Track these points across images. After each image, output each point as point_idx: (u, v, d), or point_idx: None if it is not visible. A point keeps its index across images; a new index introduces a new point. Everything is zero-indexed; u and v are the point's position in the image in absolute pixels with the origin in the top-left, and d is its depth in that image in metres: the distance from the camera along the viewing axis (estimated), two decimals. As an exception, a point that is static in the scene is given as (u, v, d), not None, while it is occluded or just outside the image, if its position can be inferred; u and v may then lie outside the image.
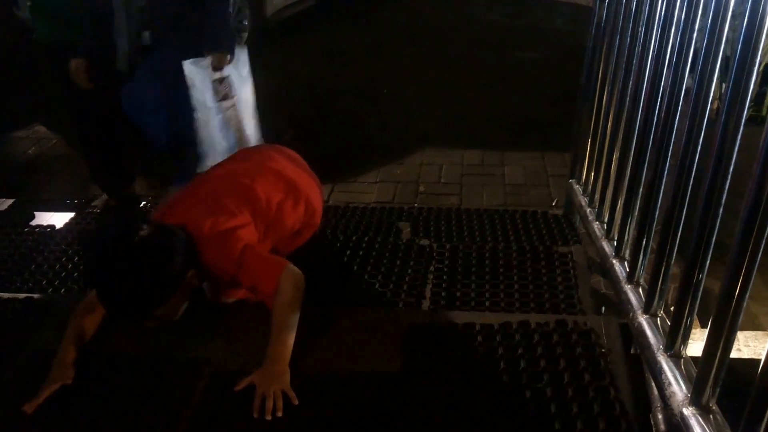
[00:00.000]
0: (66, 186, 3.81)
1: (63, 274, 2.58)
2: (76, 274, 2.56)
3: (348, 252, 2.63)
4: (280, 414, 1.68)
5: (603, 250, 2.21)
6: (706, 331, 1.35)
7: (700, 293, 1.49)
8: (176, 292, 1.87)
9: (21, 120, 4.68)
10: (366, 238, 2.78)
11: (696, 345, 1.57)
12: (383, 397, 1.77)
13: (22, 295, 2.28)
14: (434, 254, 2.60)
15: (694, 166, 1.52)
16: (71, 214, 3.11)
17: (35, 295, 2.29)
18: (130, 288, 1.80)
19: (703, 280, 1.47)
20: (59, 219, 3.07)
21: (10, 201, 3.36)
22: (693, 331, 1.57)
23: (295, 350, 1.86)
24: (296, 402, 1.71)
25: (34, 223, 3.07)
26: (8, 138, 4.45)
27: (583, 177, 2.70)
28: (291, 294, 1.88)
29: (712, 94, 1.46)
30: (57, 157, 4.19)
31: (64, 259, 2.68)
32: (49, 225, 3.00)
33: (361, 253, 2.63)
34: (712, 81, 1.44)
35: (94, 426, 1.73)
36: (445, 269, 2.49)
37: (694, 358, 1.53)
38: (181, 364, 1.91)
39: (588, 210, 2.53)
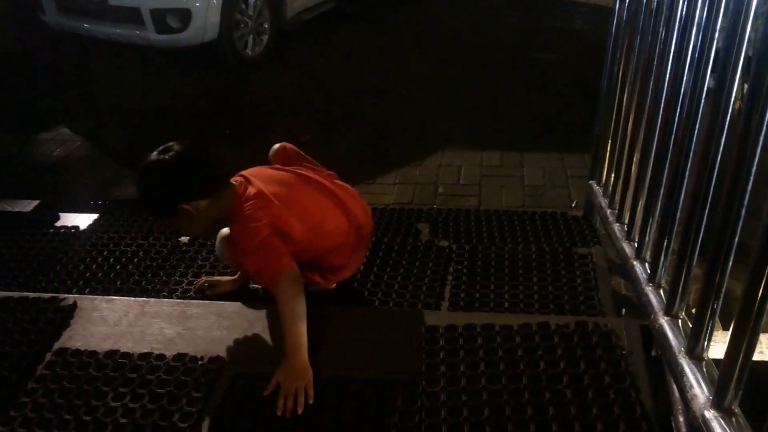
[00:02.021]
0: (90, 187, 3.85)
1: (87, 274, 2.60)
2: (100, 274, 2.59)
3: (367, 253, 2.63)
4: (301, 410, 1.73)
5: (623, 251, 2.20)
6: (729, 333, 1.33)
7: (722, 295, 1.47)
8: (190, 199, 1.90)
9: (46, 122, 4.73)
10: (385, 239, 2.78)
11: (718, 347, 1.55)
12: (404, 399, 1.78)
13: (48, 295, 2.32)
14: (453, 255, 2.60)
15: (716, 167, 1.50)
16: (95, 216, 3.14)
17: (60, 295, 2.32)
18: (147, 178, 1.91)
19: (726, 282, 1.46)
20: (83, 220, 3.09)
21: (36, 202, 3.40)
22: (715, 333, 1.56)
23: (313, 350, 1.88)
24: (311, 401, 1.75)
25: (58, 224, 3.10)
26: (34, 140, 4.50)
27: (603, 178, 2.68)
28: (291, 289, 1.90)
29: (734, 95, 1.44)
30: (81, 159, 4.23)
31: (88, 259, 2.71)
32: (73, 226, 3.03)
33: (380, 254, 2.63)
34: (734, 81, 1.43)
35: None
36: (464, 270, 2.49)
37: (716, 361, 1.51)
38: (203, 365, 1.93)
39: (608, 211, 2.51)
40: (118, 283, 2.54)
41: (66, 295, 2.33)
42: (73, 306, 2.24)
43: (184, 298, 2.39)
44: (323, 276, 2.27)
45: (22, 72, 5.55)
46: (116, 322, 2.17)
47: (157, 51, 5.35)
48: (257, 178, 2.09)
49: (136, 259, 2.68)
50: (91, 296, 2.37)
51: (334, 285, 2.36)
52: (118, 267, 2.64)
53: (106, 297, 2.34)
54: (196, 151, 1.94)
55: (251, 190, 2.01)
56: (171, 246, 2.75)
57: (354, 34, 6.54)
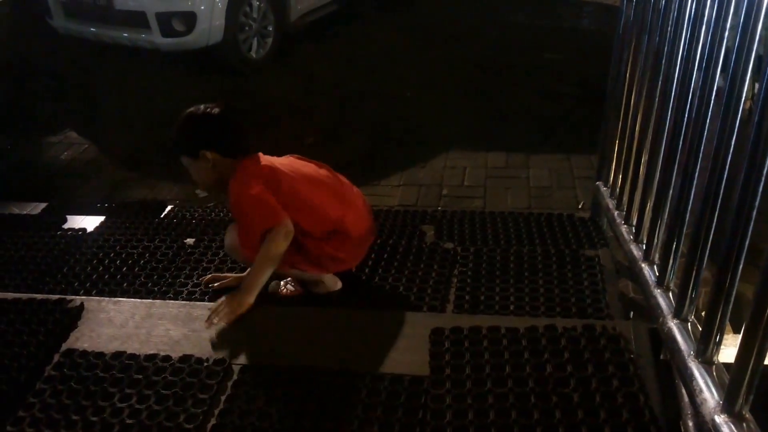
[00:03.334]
0: (97, 190, 3.86)
1: (94, 276, 2.61)
2: (107, 276, 2.60)
3: (372, 255, 2.63)
4: (209, 324, 2.08)
5: (631, 253, 2.18)
6: (739, 336, 1.32)
7: (732, 298, 1.45)
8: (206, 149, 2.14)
9: (54, 126, 4.75)
10: (390, 241, 2.77)
11: (728, 351, 1.53)
12: (409, 401, 1.77)
13: (55, 297, 2.33)
14: (458, 257, 2.58)
15: (726, 168, 1.48)
16: (102, 218, 3.15)
17: (68, 297, 2.33)
18: (189, 119, 2.19)
19: (736, 285, 1.44)
20: (90, 222, 3.10)
21: (43, 204, 3.42)
22: (725, 336, 1.54)
23: (318, 351, 1.94)
24: (224, 324, 2.09)
25: (66, 226, 3.11)
26: (41, 143, 4.52)
27: (611, 179, 2.67)
28: (282, 242, 2.08)
29: (744, 94, 1.42)
30: (88, 161, 4.24)
31: (95, 261, 2.71)
32: (80, 228, 3.03)
33: (385, 256, 2.63)
34: (744, 80, 1.41)
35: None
36: (469, 273, 2.48)
37: (726, 365, 1.50)
38: (209, 366, 1.93)
39: (615, 213, 2.49)
40: (125, 284, 2.54)
41: (73, 297, 2.34)
42: (81, 307, 2.26)
43: (189, 300, 2.40)
44: (320, 264, 2.28)
45: (30, 76, 5.56)
46: (123, 324, 2.18)
47: (163, 54, 5.36)
48: (270, 159, 2.23)
49: (142, 261, 2.68)
50: (98, 298, 2.39)
51: (337, 286, 2.39)
52: (125, 269, 2.64)
53: (112, 299, 2.35)
54: (234, 117, 2.20)
55: (264, 163, 2.19)
56: (176, 248, 2.75)
57: (359, 36, 6.54)
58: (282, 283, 2.45)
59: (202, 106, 2.18)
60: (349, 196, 2.36)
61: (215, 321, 2.08)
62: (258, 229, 2.08)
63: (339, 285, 2.40)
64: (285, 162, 2.27)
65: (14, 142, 4.54)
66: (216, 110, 2.16)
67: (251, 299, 2.13)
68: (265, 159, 2.22)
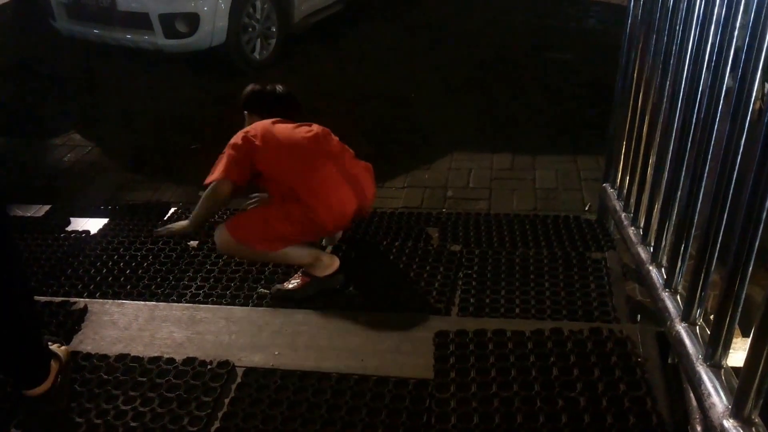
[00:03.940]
0: (100, 192, 3.85)
1: (98, 278, 2.61)
2: (110, 278, 2.60)
3: (376, 257, 2.62)
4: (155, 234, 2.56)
5: (639, 256, 2.16)
6: (749, 340, 1.30)
7: (741, 301, 1.43)
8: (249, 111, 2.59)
9: (57, 128, 4.75)
10: (395, 244, 2.76)
11: (737, 355, 1.52)
12: (413, 404, 1.76)
13: (59, 299, 2.33)
14: (463, 260, 2.57)
15: (736, 169, 1.47)
16: (105, 220, 3.14)
17: (71, 299, 2.33)
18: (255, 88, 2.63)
19: (745, 288, 1.42)
20: (94, 224, 3.10)
21: (47, 207, 3.41)
22: (734, 340, 1.52)
23: (322, 354, 1.96)
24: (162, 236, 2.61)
25: (69, 228, 3.11)
26: (45, 146, 4.52)
27: (618, 180, 2.64)
28: (215, 195, 2.32)
29: (754, 95, 1.41)
30: (92, 164, 4.24)
31: (98, 263, 2.71)
32: (84, 230, 3.04)
33: (390, 258, 2.61)
34: (754, 81, 1.39)
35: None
36: (474, 275, 2.46)
37: (735, 369, 1.48)
38: (212, 369, 1.93)
39: (623, 215, 2.47)
40: (128, 287, 2.54)
41: (77, 299, 2.34)
42: (84, 310, 2.25)
43: (193, 302, 2.39)
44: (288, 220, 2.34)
45: (33, 78, 5.57)
46: (126, 326, 2.18)
47: (166, 56, 5.36)
48: (276, 126, 2.43)
49: (145, 264, 2.68)
50: (101, 300, 2.39)
51: (335, 264, 2.44)
52: (128, 271, 2.64)
53: (116, 301, 2.35)
54: (268, 94, 2.59)
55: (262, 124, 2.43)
56: (180, 250, 2.75)
57: (362, 37, 6.52)
58: (290, 280, 2.46)
59: (259, 84, 2.65)
60: (320, 164, 2.38)
61: (159, 231, 2.53)
62: (217, 175, 2.31)
63: (336, 262, 2.44)
64: (281, 128, 2.43)
65: (17, 145, 4.54)
66: (258, 87, 2.61)
67: (189, 226, 2.44)
68: (271, 124, 2.43)
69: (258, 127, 2.40)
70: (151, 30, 5.09)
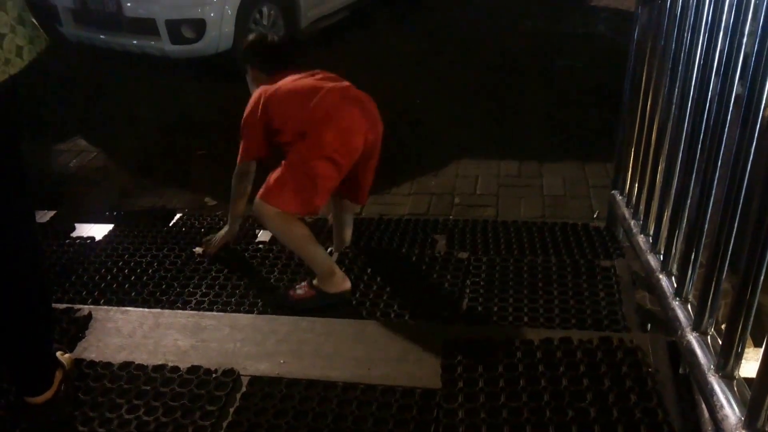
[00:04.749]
0: (106, 198, 3.85)
1: (102, 285, 2.60)
2: (115, 285, 2.59)
3: (383, 265, 2.60)
4: (202, 254, 2.69)
5: (648, 264, 2.14)
6: (761, 350, 1.28)
7: (753, 310, 1.41)
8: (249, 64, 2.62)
9: (62, 133, 4.75)
10: (402, 251, 2.74)
11: (750, 365, 1.50)
12: (420, 415, 1.74)
13: (63, 306, 2.32)
14: (470, 267, 2.55)
15: (746, 176, 1.45)
16: (110, 226, 3.14)
17: (75, 306, 2.32)
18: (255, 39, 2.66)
19: (757, 296, 1.40)
20: (99, 231, 3.09)
21: (52, 213, 3.40)
22: (746, 350, 1.50)
23: (329, 362, 1.95)
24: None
25: (74, 234, 3.10)
26: (50, 151, 4.52)
27: (627, 187, 2.62)
28: (239, 178, 2.51)
29: (764, 101, 1.39)
30: (97, 169, 4.24)
31: (103, 270, 2.70)
32: (89, 237, 3.03)
33: (397, 265, 2.60)
34: (764, 87, 1.37)
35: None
36: (482, 283, 2.44)
37: (747, 380, 1.46)
38: (217, 378, 1.91)
39: (632, 222, 2.45)
40: (133, 293, 2.53)
41: (81, 306, 2.33)
42: (88, 317, 2.24)
43: (198, 310, 2.38)
44: (305, 173, 2.31)
45: (39, 83, 5.57)
46: (131, 334, 2.16)
47: (172, 61, 5.37)
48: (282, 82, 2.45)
49: (150, 270, 2.67)
50: (106, 307, 2.38)
51: (346, 284, 2.40)
52: (133, 278, 2.63)
53: (120, 308, 2.34)
54: (270, 43, 2.65)
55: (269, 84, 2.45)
56: (185, 257, 2.74)
57: (368, 43, 6.52)
58: (296, 287, 2.44)
59: (255, 33, 2.71)
60: (325, 94, 2.36)
61: (206, 250, 2.64)
62: (244, 156, 2.48)
63: (348, 284, 2.39)
64: (283, 83, 2.44)
65: (22, 150, 4.54)
66: (258, 36, 2.65)
67: (232, 231, 2.65)
68: (272, 85, 2.44)
69: (258, 95, 2.43)
70: (158, 36, 5.10)
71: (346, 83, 2.48)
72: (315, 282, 2.39)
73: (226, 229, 2.69)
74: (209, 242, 2.72)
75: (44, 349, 1.80)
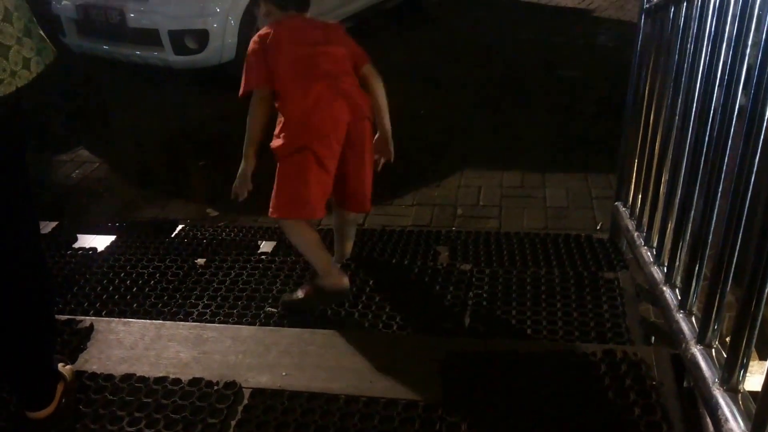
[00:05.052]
0: (108, 209, 3.85)
1: (104, 296, 2.59)
2: (117, 296, 2.58)
3: (385, 277, 2.59)
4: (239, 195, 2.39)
5: (652, 276, 2.12)
6: (766, 363, 1.27)
7: (758, 322, 1.40)
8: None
9: (65, 144, 4.76)
10: (404, 263, 2.73)
11: (755, 379, 1.48)
12: (423, 428, 1.72)
13: (64, 317, 2.31)
14: (473, 279, 2.54)
15: (750, 187, 1.44)
16: (112, 237, 3.14)
17: (77, 317, 2.31)
18: None
19: (762, 309, 1.39)
20: (101, 242, 3.09)
21: (54, 223, 3.40)
22: (751, 363, 1.49)
23: (330, 374, 1.93)
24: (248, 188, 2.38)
25: (76, 245, 3.10)
26: (53, 162, 4.53)
27: (630, 199, 2.62)
28: (254, 107, 2.34)
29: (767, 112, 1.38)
30: (99, 180, 4.24)
31: (105, 281, 2.70)
32: (91, 247, 3.03)
33: (399, 277, 2.59)
34: (767, 98, 1.37)
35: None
36: (484, 295, 2.43)
37: (753, 393, 1.44)
38: (219, 390, 1.90)
39: (635, 234, 2.44)
40: (135, 305, 2.52)
41: (83, 317, 2.32)
42: (90, 328, 2.23)
43: (200, 321, 2.37)
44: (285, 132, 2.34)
45: (41, 93, 5.59)
46: (132, 345, 2.15)
47: (175, 72, 5.38)
48: (289, 24, 2.41)
49: (152, 281, 2.66)
50: (107, 318, 2.37)
51: (344, 281, 2.40)
52: (135, 289, 2.62)
53: (122, 319, 2.33)
54: None
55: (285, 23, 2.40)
56: (187, 268, 2.73)
57: (372, 54, 6.53)
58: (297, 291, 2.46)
59: None
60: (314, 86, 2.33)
61: (239, 195, 2.39)
62: (242, 89, 2.35)
63: (346, 280, 2.40)
64: (289, 35, 2.38)
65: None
66: None
67: (248, 161, 2.37)
68: (288, 21, 2.41)
69: (266, 33, 2.37)
70: (161, 46, 5.12)
71: (344, 67, 2.43)
72: (315, 281, 2.41)
73: (242, 166, 2.42)
74: (236, 187, 2.43)
75: (46, 362, 1.79)
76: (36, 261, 1.70)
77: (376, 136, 2.53)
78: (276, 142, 2.34)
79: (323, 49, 2.38)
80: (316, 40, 2.38)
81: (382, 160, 2.59)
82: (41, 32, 1.59)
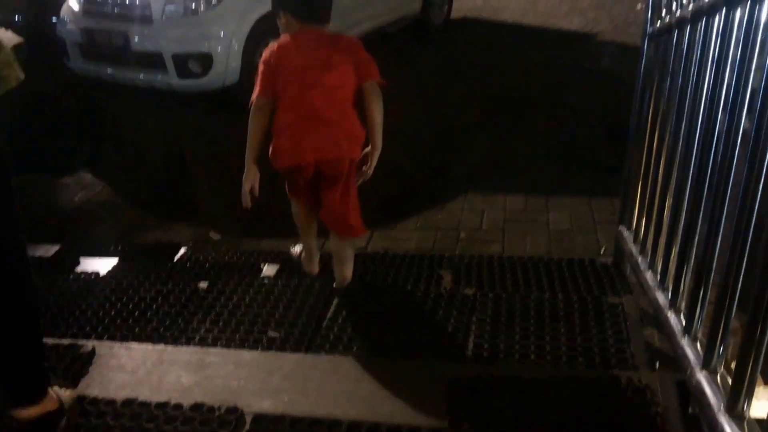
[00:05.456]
0: (111, 232, 3.85)
1: (106, 320, 2.58)
2: (119, 320, 2.57)
3: (388, 301, 2.58)
4: (247, 203, 2.49)
5: (656, 301, 2.11)
6: (772, 390, 1.26)
7: (764, 348, 1.39)
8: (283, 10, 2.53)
9: (68, 167, 4.77)
10: (408, 286, 2.72)
11: (761, 405, 1.47)
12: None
13: (67, 341, 2.31)
14: (477, 304, 2.53)
15: (755, 212, 1.43)
16: (115, 260, 3.14)
17: (79, 341, 2.31)
18: None
19: (767, 335, 1.38)
20: (103, 265, 3.10)
21: (56, 247, 3.40)
22: (757, 389, 1.47)
23: (334, 400, 1.91)
24: (254, 193, 2.49)
25: (79, 269, 3.10)
26: (56, 185, 4.53)
27: (634, 223, 2.61)
28: (253, 115, 2.49)
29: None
30: (102, 203, 4.25)
31: (107, 305, 2.69)
32: (93, 271, 3.02)
33: (402, 301, 2.58)
34: (772, 123, 1.37)
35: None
36: (488, 320, 2.42)
37: (758, 420, 1.43)
38: (220, 415, 1.89)
39: (639, 258, 2.43)
40: (137, 329, 2.51)
41: (84, 342, 2.31)
42: (92, 353, 2.23)
43: (202, 346, 2.36)
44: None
45: (45, 116, 5.62)
46: (134, 370, 2.14)
47: (179, 95, 5.41)
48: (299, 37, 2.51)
49: (154, 305, 2.65)
50: (109, 342, 2.36)
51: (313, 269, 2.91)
52: (137, 313, 2.61)
53: (124, 344, 2.32)
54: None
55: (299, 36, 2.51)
56: (189, 292, 2.72)
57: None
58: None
59: None
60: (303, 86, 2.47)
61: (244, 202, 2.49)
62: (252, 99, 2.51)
63: (314, 270, 2.91)
64: (295, 49, 2.50)
65: (28, 183, 4.55)
66: None
67: (248, 170, 2.48)
68: (302, 34, 2.51)
69: (283, 44, 2.50)
70: (165, 70, 5.15)
71: (332, 101, 2.49)
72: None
73: (246, 171, 2.51)
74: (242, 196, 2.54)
75: (33, 341, 1.82)
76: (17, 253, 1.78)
77: (366, 149, 2.58)
78: (271, 157, 2.53)
79: (320, 78, 2.45)
80: (319, 63, 2.44)
81: (360, 180, 2.64)
82: (10, 58, 1.61)
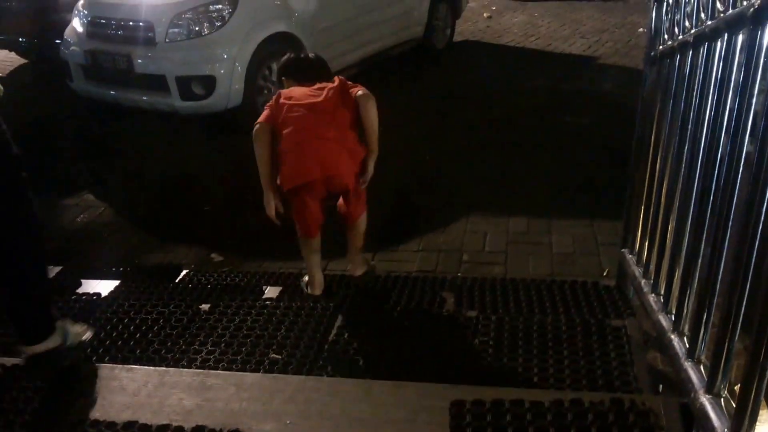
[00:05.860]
0: (113, 254, 3.85)
1: (108, 341, 2.57)
2: (120, 342, 2.56)
3: (390, 324, 2.57)
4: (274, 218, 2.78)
5: (660, 324, 2.10)
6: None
7: (768, 372, 1.38)
8: (285, 75, 3.00)
9: (71, 188, 4.78)
10: (409, 308, 2.72)
11: (765, 428, 1.46)
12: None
13: (68, 362, 2.27)
14: (479, 326, 2.52)
15: (758, 235, 1.43)
16: (117, 282, 3.13)
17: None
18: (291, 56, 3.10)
19: (773, 358, 1.37)
20: (105, 287, 3.09)
21: (58, 268, 3.40)
22: (761, 412, 1.46)
23: (335, 424, 1.89)
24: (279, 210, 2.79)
25: (80, 290, 3.09)
26: (58, 206, 4.54)
27: (637, 246, 2.61)
28: (256, 137, 2.76)
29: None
30: (104, 224, 4.25)
31: (108, 326, 2.68)
32: (95, 293, 3.02)
33: (404, 323, 2.57)
34: (775, 146, 1.37)
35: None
36: (490, 342, 2.41)
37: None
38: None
39: (642, 281, 2.43)
40: (138, 351, 2.50)
41: (86, 363, 2.31)
42: (93, 374, 2.21)
43: (204, 368, 2.35)
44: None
45: (48, 138, 5.64)
46: (135, 392, 2.13)
47: (182, 117, 5.43)
48: (301, 92, 2.80)
49: (156, 327, 2.65)
50: (110, 365, 2.34)
51: (315, 290, 2.99)
52: (138, 335, 2.61)
53: (125, 366, 2.31)
54: (302, 61, 3.05)
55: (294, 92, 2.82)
56: (191, 314, 2.72)
57: (377, 99, 6.60)
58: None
59: (303, 54, 3.24)
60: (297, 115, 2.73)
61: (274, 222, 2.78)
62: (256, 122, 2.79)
63: (317, 292, 2.97)
64: (298, 93, 2.80)
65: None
66: (293, 55, 3.08)
67: (266, 192, 2.76)
68: (294, 89, 2.84)
69: (285, 90, 2.84)
70: (168, 92, 5.17)
71: (335, 128, 2.73)
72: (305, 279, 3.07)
73: (265, 198, 2.79)
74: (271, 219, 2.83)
75: (39, 282, 2.10)
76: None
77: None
78: (280, 183, 2.75)
79: (315, 105, 2.72)
80: (311, 103, 2.73)
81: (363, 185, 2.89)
82: None
